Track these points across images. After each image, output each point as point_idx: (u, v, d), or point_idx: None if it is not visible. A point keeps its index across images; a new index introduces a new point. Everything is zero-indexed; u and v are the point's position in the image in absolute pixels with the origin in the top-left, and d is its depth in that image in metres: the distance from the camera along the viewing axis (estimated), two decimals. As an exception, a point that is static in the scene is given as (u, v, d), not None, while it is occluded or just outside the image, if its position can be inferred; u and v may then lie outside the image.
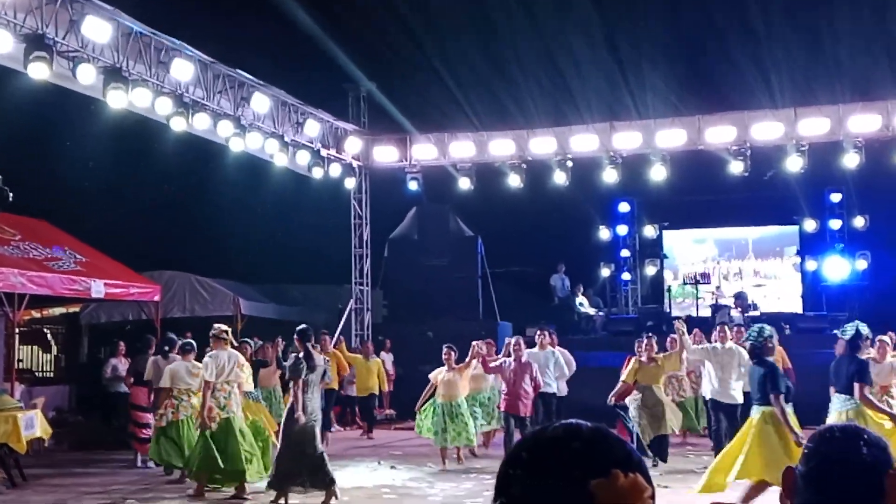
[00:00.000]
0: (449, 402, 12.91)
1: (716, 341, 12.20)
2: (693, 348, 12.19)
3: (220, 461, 10.36)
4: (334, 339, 15.76)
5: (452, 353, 13.06)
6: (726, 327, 12.35)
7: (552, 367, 13.54)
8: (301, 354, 10.10)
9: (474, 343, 13.34)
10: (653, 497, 1.37)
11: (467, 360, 13.16)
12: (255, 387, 12.31)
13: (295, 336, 10.37)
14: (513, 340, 13.08)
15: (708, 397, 12.39)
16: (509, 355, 12.98)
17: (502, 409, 12.92)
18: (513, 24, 21.75)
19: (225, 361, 10.59)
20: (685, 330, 12.06)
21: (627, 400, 12.56)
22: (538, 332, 14.03)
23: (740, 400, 11.53)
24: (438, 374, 13.21)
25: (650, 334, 13.32)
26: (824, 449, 1.82)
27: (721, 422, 11.70)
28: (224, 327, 10.99)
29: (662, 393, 12.73)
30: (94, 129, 16.25)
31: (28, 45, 10.82)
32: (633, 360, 12.67)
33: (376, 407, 17.20)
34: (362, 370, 16.68)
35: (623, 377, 12.66)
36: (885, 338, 11.60)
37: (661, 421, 12.25)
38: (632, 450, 1.41)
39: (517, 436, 12.17)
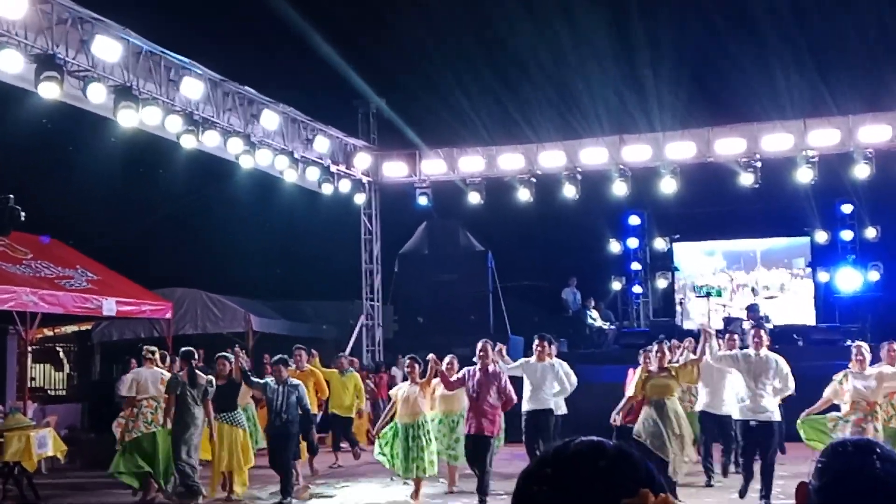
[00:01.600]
0: (409, 424, 11.03)
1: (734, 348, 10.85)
2: (719, 355, 10.49)
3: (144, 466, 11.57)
4: (337, 353, 15.61)
5: (416, 367, 11.26)
6: (762, 332, 10.52)
7: (549, 381, 11.73)
8: (182, 372, 11.43)
9: (431, 356, 11.37)
10: None
11: (428, 374, 11.25)
12: (234, 408, 11.74)
13: (179, 357, 12.00)
14: (479, 345, 10.91)
15: (707, 410, 11.62)
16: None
17: (466, 431, 10.83)
18: (521, 38, 21.80)
19: (147, 378, 11.77)
20: (713, 333, 10.66)
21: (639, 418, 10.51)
22: (536, 341, 12.19)
23: (778, 417, 10.13)
24: (399, 391, 11.51)
25: (662, 338, 11.69)
26: (837, 463, 1.80)
27: (741, 443, 10.40)
28: (152, 348, 12.31)
29: (678, 405, 10.65)
30: (104, 147, 16.32)
31: (39, 66, 10.89)
32: (639, 370, 10.94)
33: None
34: (337, 387, 14.89)
35: (629, 391, 10.95)
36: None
37: (670, 443, 10.14)
38: (653, 469, 1.39)
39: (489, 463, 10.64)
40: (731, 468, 11.80)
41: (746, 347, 10.58)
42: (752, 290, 23.08)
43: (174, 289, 19.75)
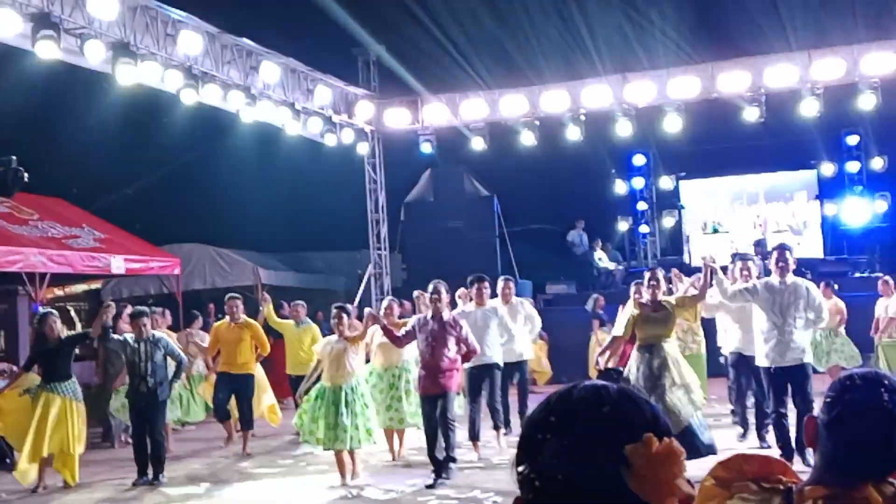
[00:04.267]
0: (335, 387, 9.28)
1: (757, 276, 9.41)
2: (732, 290, 8.87)
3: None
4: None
5: (344, 317, 9.52)
6: (787, 253, 8.85)
7: (491, 330, 10.40)
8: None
9: (367, 309, 10.14)
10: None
11: (363, 329, 9.72)
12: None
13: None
14: (430, 286, 9.32)
15: (736, 352, 10.20)
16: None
17: (419, 391, 9.44)
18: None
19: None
20: (717, 266, 8.98)
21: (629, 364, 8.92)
22: (475, 285, 10.58)
23: (811, 357, 8.77)
24: (326, 347, 9.54)
25: (656, 267, 10.05)
26: (845, 397, 1.81)
27: (770, 388, 8.67)
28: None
29: (676, 349, 8.92)
30: (104, 104, 16.25)
31: (35, 24, 10.79)
32: (629, 304, 9.24)
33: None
34: (292, 341, 13.09)
35: (617, 331, 9.07)
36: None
37: (672, 391, 8.47)
38: (657, 410, 1.39)
39: (455, 419, 9.28)
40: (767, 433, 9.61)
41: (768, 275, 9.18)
42: (760, 225, 23.06)
43: (181, 245, 19.81)
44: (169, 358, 10.24)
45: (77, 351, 10.96)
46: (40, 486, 10.02)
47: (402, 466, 10.41)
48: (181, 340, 12.40)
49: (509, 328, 10.87)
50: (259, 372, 12.34)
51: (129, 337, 10.17)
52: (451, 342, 9.12)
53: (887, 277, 14.13)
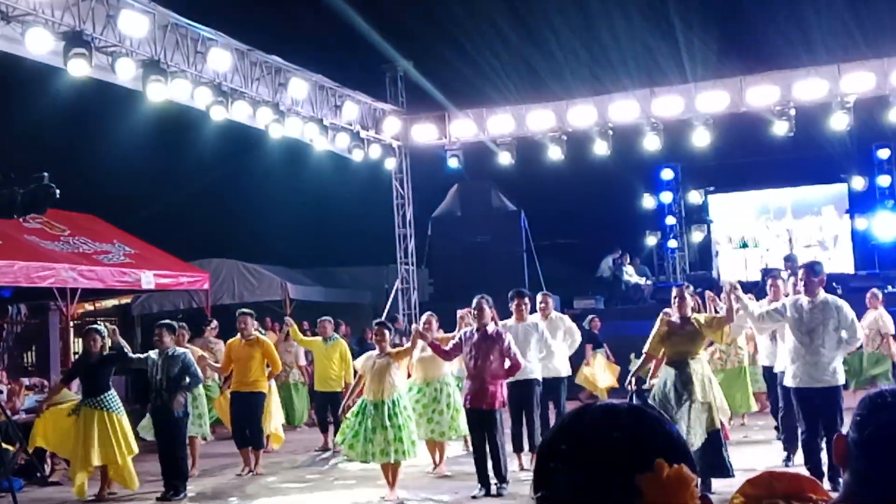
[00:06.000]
0: (377, 402, 9.30)
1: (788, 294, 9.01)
2: (759, 312, 8.74)
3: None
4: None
5: (387, 333, 9.64)
6: (815, 269, 8.51)
7: (532, 345, 10.36)
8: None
9: (414, 326, 10.25)
10: (697, 486, 1.34)
11: (410, 344, 9.81)
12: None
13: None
14: (474, 302, 9.38)
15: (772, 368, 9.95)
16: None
17: (465, 405, 9.51)
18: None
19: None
20: (740, 290, 8.75)
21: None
22: (514, 300, 10.55)
23: (842, 380, 8.37)
24: (367, 361, 9.62)
25: (685, 284, 9.61)
26: (876, 416, 1.79)
27: (800, 411, 8.39)
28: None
29: (706, 368, 8.71)
30: (135, 121, 16.41)
31: (67, 42, 10.93)
32: (657, 322, 8.91)
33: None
34: (320, 357, 12.92)
35: (646, 348, 8.86)
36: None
37: (688, 411, 8.24)
38: (672, 430, 1.37)
39: (501, 439, 9.29)
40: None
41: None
42: (789, 239, 22.88)
43: (210, 259, 19.93)
44: (186, 376, 10.16)
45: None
46: (106, 492, 10.22)
47: (438, 478, 10.48)
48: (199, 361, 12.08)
49: (549, 344, 10.77)
50: (273, 393, 12.35)
51: (154, 353, 10.24)
52: (496, 355, 9.18)
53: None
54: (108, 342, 10.31)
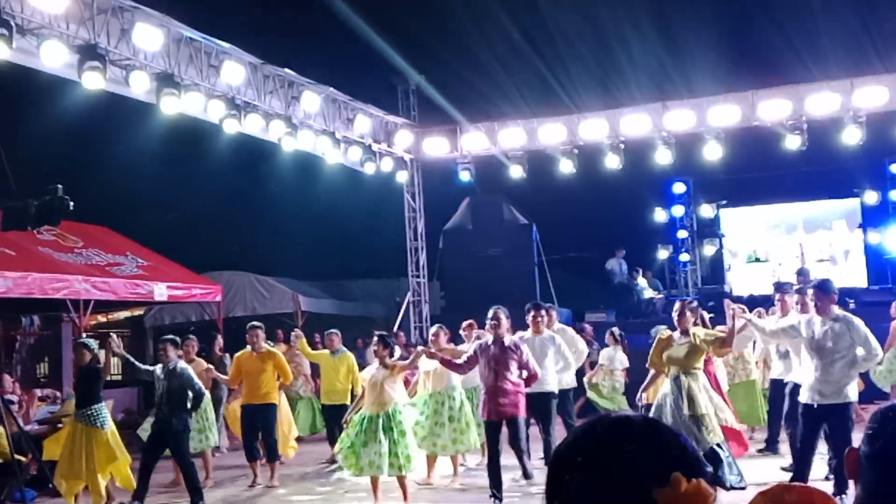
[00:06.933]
0: (373, 415, 9.27)
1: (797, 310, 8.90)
2: (770, 329, 8.86)
3: None
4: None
5: (384, 346, 9.61)
6: (826, 287, 8.48)
7: (549, 357, 10.47)
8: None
9: (421, 348, 10.13)
10: (715, 500, 1.33)
11: (410, 360, 9.81)
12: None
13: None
14: (490, 313, 9.36)
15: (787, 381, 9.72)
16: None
17: (482, 416, 9.46)
18: (558, 6, 21.60)
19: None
20: (746, 311, 9.00)
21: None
22: (531, 312, 10.62)
23: (854, 397, 8.28)
24: (368, 374, 9.72)
25: (688, 299, 9.78)
26: (888, 429, 1.79)
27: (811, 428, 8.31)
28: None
29: (704, 383, 8.73)
30: (148, 134, 16.50)
31: (81, 56, 11.00)
32: (657, 336, 9.09)
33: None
34: (327, 370, 12.84)
35: (648, 363, 9.03)
36: None
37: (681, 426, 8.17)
38: (686, 444, 1.37)
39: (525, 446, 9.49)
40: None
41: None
42: (801, 254, 22.81)
43: (222, 272, 20.00)
44: (189, 390, 10.10)
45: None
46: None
47: (453, 490, 10.48)
48: (201, 376, 11.84)
49: (566, 356, 10.79)
50: (284, 404, 12.35)
51: (159, 367, 10.27)
52: (513, 366, 9.15)
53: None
54: (101, 355, 10.25)
